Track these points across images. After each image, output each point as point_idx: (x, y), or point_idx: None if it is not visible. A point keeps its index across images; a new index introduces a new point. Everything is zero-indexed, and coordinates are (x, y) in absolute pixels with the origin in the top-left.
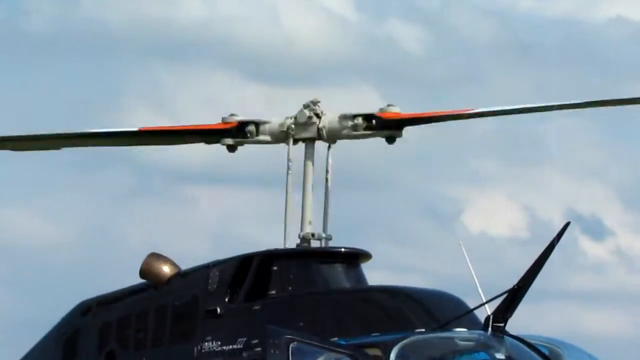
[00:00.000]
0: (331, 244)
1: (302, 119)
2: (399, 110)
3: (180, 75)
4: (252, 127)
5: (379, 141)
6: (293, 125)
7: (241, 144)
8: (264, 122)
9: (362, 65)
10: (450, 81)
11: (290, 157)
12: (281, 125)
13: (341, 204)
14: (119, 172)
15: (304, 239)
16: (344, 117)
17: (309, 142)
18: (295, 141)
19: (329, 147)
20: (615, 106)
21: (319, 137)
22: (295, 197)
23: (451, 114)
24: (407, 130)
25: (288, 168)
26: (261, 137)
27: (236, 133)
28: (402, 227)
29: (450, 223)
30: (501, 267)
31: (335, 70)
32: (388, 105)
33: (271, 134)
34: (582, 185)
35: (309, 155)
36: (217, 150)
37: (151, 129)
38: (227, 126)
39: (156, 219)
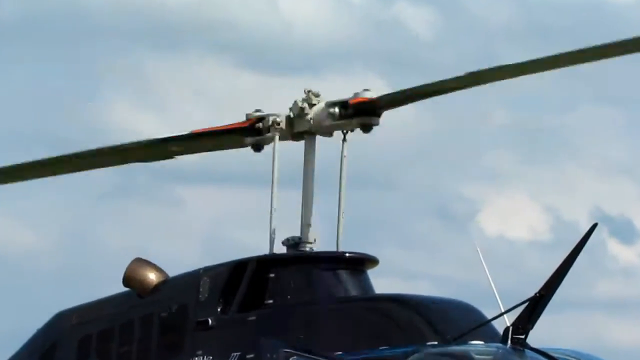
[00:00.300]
0: (332, 248)
1: (295, 111)
2: (373, 95)
3: (167, 62)
4: (259, 124)
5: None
6: (292, 116)
7: (260, 143)
8: (274, 115)
9: (366, 51)
10: (463, 68)
11: (277, 152)
12: (283, 118)
13: (347, 205)
14: (100, 169)
15: (297, 244)
16: (328, 106)
17: (307, 136)
18: (294, 136)
19: (344, 139)
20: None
21: (309, 130)
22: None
23: (432, 87)
24: (397, 120)
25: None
26: (270, 134)
27: (254, 131)
28: (411, 229)
29: (465, 225)
30: (521, 273)
31: (337, 57)
32: (364, 90)
33: (279, 129)
34: (610, 182)
35: (308, 150)
36: None
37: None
38: (247, 124)
39: (141, 221)
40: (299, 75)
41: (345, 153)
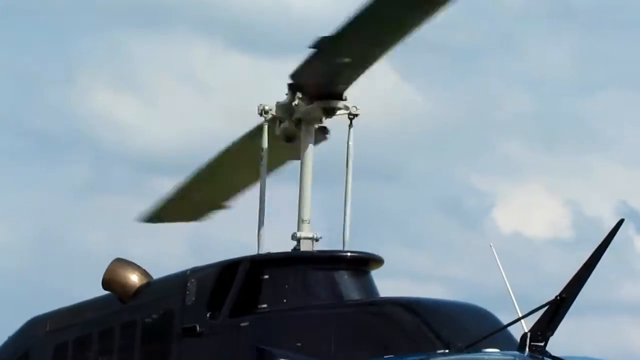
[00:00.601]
0: (333, 247)
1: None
2: None
3: (149, 43)
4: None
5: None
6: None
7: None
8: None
9: None
10: (477, 50)
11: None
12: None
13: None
14: (75, 161)
15: (298, 241)
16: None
17: (305, 124)
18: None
19: (350, 125)
20: None
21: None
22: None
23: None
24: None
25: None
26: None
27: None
28: (418, 226)
29: (478, 221)
30: (539, 274)
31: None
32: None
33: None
34: (637, 174)
35: (304, 138)
36: (191, 134)
37: None
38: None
39: (120, 217)
40: (294, 57)
41: (350, 141)
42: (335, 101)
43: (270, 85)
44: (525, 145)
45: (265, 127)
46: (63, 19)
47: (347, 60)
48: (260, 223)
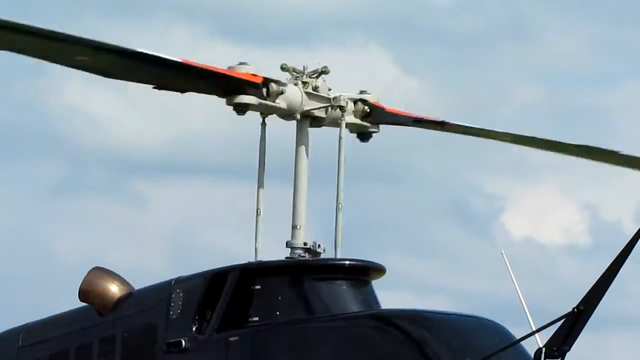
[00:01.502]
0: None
1: (325, 91)
2: (378, 99)
3: (129, 30)
4: (275, 87)
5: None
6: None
7: (263, 107)
8: (282, 84)
9: (369, 19)
10: (486, 38)
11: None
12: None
13: (346, 202)
14: (45, 160)
15: (294, 249)
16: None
17: (312, 121)
18: (307, 119)
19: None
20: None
21: (325, 115)
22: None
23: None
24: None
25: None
26: (278, 103)
27: (258, 91)
28: (422, 232)
29: (487, 226)
30: (554, 284)
31: (333, 26)
32: (360, 92)
33: (289, 102)
34: None
35: (303, 137)
36: (171, 131)
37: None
38: (253, 79)
39: (96, 222)
40: (285, 47)
41: (342, 135)
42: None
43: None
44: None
45: (266, 127)
46: (32, 6)
47: None
48: (257, 229)
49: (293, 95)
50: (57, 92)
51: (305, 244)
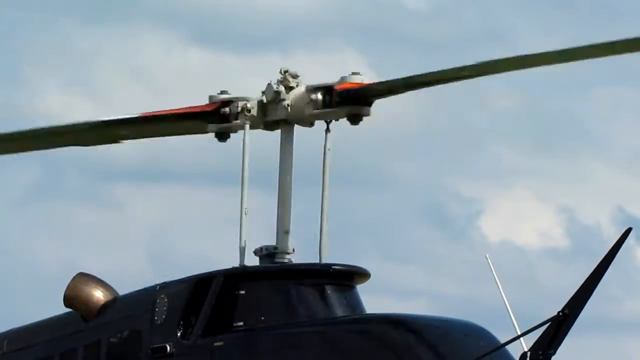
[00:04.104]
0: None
1: (269, 95)
2: (365, 79)
3: (101, 38)
4: (226, 109)
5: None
6: (265, 102)
7: (226, 131)
8: (243, 100)
9: (345, 24)
10: (462, 42)
11: (247, 143)
12: (254, 103)
13: (318, 206)
14: (21, 165)
15: (273, 254)
16: (309, 91)
17: (284, 125)
18: (267, 125)
19: (327, 129)
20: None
21: (287, 119)
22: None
23: (435, 76)
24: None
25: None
26: (239, 121)
27: (219, 117)
28: (401, 236)
29: (465, 230)
30: (533, 288)
31: (308, 31)
32: (352, 74)
33: (250, 116)
34: (636, 178)
35: (285, 143)
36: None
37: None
38: (211, 108)
39: (73, 227)
40: (262, 53)
41: (328, 146)
42: (366, 107)
43: (235, 83)
44: (515, 147)
45: (247, 127)
46: (8, 16)
47: None
48: (242, 233)
49: (254, 107)
50: (34, 96)
51: (275, 247)
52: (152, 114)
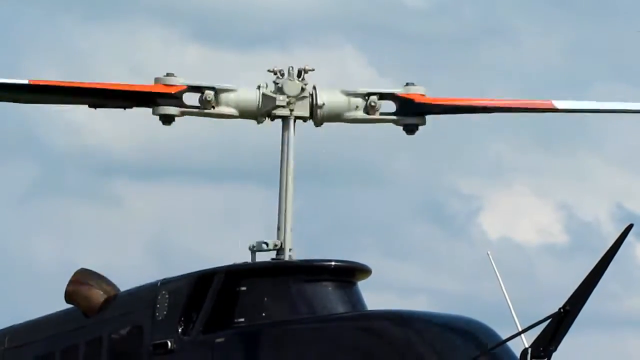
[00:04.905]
0: (312, 256)
1: (293, 91)
2: (423, 91)
3: (100, 35)
4: (211, 95)
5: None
6: (281, 97)
7: (191, 114)
8: (226, 90)
9: (344, 21)
10: (461, 41)
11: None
12: (251, 95)
13: (321, 203)
14: (19, 161)
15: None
16: (347, 94)
17: (289, 121)
18: (273, 118)
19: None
20: None
21: (312, 116)
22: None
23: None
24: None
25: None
26: (223, 109)
27: (181, 100)
28: (401, 234)
29: (464, 227)
30: (532, 284)
31: (307, 28)
32: (407, 85)
33: (237, 106)
34: (632, 174)
35: (286, 137)
36: (152, 133)
37: (49, 84)
38: (170, 90)
39: (72, 224)
40: (261, 50)
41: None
42: (422, 119)
43: (235, 78)
44: (515, 145)
45: (292, 123)
46: (8, 13)
47: None
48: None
49: (246, 99)
50: None
51: (275, 245)
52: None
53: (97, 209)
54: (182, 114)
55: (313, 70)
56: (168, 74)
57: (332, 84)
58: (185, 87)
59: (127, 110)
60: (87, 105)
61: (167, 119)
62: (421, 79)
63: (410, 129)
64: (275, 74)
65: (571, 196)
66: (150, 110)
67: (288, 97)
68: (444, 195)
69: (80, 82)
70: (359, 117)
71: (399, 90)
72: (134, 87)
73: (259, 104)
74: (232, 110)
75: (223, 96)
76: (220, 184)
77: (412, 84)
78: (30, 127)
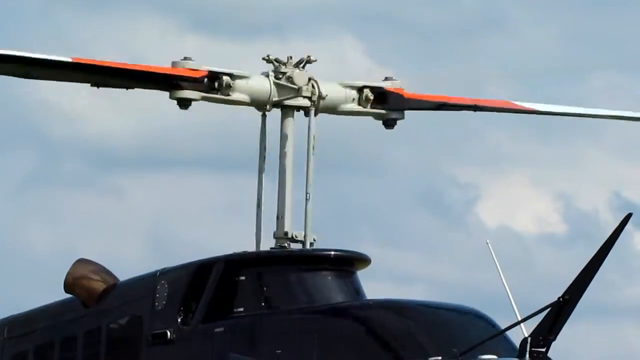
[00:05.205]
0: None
1: (300, 81)
2: (399, 84)
3: (97, 24)
4: (227, 80)
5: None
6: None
7: (208, 100)
8: (241, 77)
9: (342, 11)
10: (460, 31)
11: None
12: (264, 83)
13: (321, 193)
14: (20, 151)
15: (279, 240)
16: (344, 86)
17: (293, 111)
18: (283, 108)
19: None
20: None
21: (314, 106)
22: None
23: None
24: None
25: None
26: (237, 96)
27: (202, 85)
28: (398, 223)
29: (462, 216)
30: (530, 274)
31: (304, 17)
32: (385, 79)
33: (250, 93)
34: (630, 163)
35: (289, 127)
36: (151, 122)
37: (85, 62)
38: (194, 74)
39: (71, 214)
40: (259, 39)
41: (313, 131)
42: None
43: (234, 67)
44: (511, 134)
45: (265, 120)
46: (6, 6)
47: None
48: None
49: (259, 86)
50: (26, 85)
51: (285, 233)
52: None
53: (96, 198)
54: (203, 98)
55: (316, 60)
56: (185, 58)
57: (330, 74)
58: (207, 72)
59: (129, 90)
60: (89, 84)
61: (185, 103)
62: (418, 70)
63: (390, 124)
64: (273, 62)
65: (569, 185)
66: (148, 98)
67: (298, 87)
68: (442, 185)
69: (111, 62)
70: (351, 109)
71: (387, 85)
72: (156, 68)
73: (270, 93)
74: (245, 97)
75: (237, 82)
76: (219, 173)
77: (391, 79)
78: (28, 116)
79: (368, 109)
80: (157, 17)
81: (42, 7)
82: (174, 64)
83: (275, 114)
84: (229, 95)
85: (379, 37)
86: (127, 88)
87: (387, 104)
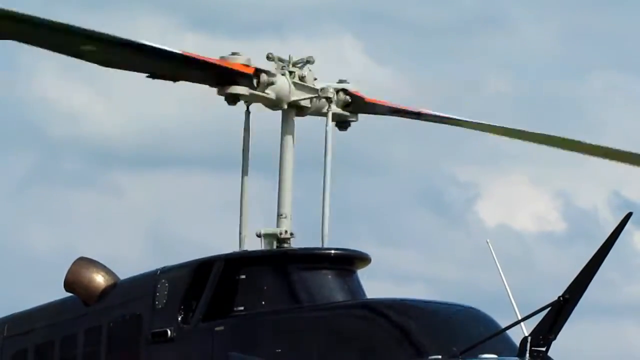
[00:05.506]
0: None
1: (309, 80)
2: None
3: (97, 23)
4: (265, 78)
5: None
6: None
7: (255, 98)
8: (272, 74)
9: (340, 9)
10: (457, 29)
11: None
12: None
13: (320, 192)
14: (20, 150)
15: (272, 238)
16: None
17: (305, 112)
18: (293, 108)
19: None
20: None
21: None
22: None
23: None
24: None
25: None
26: (268, 94)
27: (249, 82)
28: (398, 221)
29: (462, 215)
30: (530, 272)
31: (302, 15)
32: (339, 81)
33: (277, 92)
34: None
35: (289, 127)
36: (145, 121)
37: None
38: (248, 70)
39: (70, 213)
40: (254, 37)
41: (328, 125)
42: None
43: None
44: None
45: (250, 116)
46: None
47: None
48: (242, 217)
49: (282, 85)
50: (30, 82)
51: (280, 233)
52: (187, 54)
53: (96, 197)
54: (251, 95)
55: (314, 62)
56: (233, 53)
57: (331, 74)
58: (255, 68)
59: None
60: (145, 75)
61: (234, 99)
62: (416, 67)
63: (345, 126)
64: (277, 60)
65: (569, 184)
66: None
67: (320, 88)
68: (441, 184)
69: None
70: (327, 110)
71: (350, 87)
72: (212, 59)
73: (290, 92)
74: (272, 95)
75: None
76: (220, 172)
77: (345, 81)
78: (27, 115)
79: (335, 110)
80: (157, 15)
81: (42, 7)
82: (222, 58)
83: (271, 113)
84: (265, 93)
85: (378, 36)
86: (174, 80)
87: (349, 107)
